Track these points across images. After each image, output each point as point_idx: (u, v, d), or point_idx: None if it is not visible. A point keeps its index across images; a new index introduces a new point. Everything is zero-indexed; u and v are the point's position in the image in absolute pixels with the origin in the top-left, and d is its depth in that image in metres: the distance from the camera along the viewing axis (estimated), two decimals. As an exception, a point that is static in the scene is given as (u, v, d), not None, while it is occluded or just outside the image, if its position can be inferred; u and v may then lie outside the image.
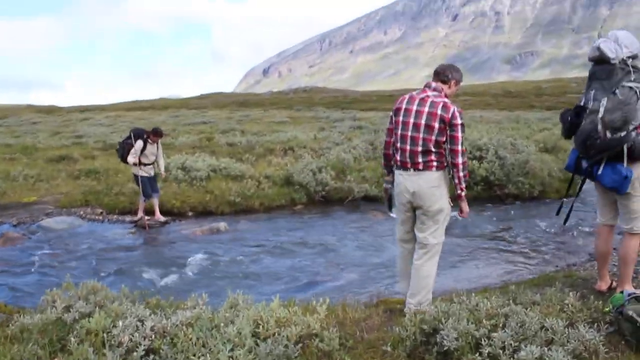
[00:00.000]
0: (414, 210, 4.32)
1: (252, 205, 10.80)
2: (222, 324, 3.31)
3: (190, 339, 3.13)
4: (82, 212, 10.43)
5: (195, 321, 3.36)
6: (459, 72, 4.33)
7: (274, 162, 13.93)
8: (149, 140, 9.89)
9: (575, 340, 3.18)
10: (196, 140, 19.54)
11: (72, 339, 3.16)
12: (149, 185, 9.90)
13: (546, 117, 30.38)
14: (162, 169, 10.36)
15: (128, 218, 10.21)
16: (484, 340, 3.15)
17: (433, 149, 4.09)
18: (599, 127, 4.04)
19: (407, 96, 4.29)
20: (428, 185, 4.15)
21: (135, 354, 3.02)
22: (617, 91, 3.96)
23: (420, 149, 4.10)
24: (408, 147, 4.15)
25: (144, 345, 3.08)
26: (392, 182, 4.49)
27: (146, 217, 9.75)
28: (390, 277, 6.64)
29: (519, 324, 3.32)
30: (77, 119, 37.55)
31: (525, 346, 3.06)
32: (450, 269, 6.88)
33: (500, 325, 3.36)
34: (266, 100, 65.25)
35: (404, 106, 4.23)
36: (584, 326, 3.31)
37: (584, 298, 4.36)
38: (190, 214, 10.49)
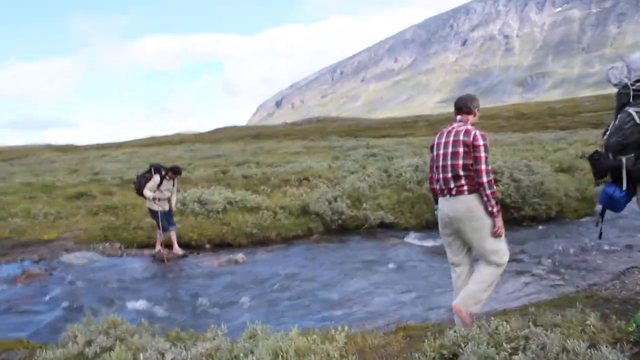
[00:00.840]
0: (457, 234, 4.58)
1: (269, 236, 10.85)
2: (241, 354, 3.33)
3: (211, 371, 3.15)
4: (101, 247, 10.53)
5: (215, 352, 3.39)
6: (477, 100, 4.70)
7: (289, 193, 13.99)
8: (167, 177, 10.09)
9: (599, 362, 3.15)
10: (212, 174, 19.70)
11: (94, 373, 3.20)
12: (164, 220, 10.03)
13: (560, 137, 30.24)
14: (173, 204, 10.47)
15: (146, 252, 10.29)
16: (506, 364, 3.13)
17: (462, 173, 4.38)
18: (603, 149, 4.12)
19: (439, 133, 4.69)
20: (463, 209, 4.41)
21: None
22: (619, 116, 4.02)
23: (450, 174, 4.45)
24: (441, 176, 4.54)
25: (166, 378, 3.11)
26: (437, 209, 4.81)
27: (165, 251, 9.86)
28: (410, 303, 6.61)
29: (539, 347, 3.30)
30: (94, 156, 38.07)
31: (547, 368, 3.04)
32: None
33: (521, 348, 3.34)
34: (280, 131, 65.70)
35: (435, 141, 4.67)
36: (607, 347, 3.27)
37: (606, 318, 4.31)
38: (207, 246, 10.55)
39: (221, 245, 10.58)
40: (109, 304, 7.18)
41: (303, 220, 11.45)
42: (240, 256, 9.45)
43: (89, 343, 3.65)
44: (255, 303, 7.07)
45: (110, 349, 3.48)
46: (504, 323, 3.64)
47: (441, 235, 4.80)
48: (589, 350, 3.25)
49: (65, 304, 7.24)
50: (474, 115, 4.63)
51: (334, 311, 6.59)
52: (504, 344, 3.34)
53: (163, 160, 27.06)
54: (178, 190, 11.09)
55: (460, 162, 4.37)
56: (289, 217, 11.57)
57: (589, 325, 3.78)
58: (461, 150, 4.37)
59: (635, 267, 7.09)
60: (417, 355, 3.50)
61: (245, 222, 11.10)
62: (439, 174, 4.58)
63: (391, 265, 8.56)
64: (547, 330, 3.60)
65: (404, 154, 22.29)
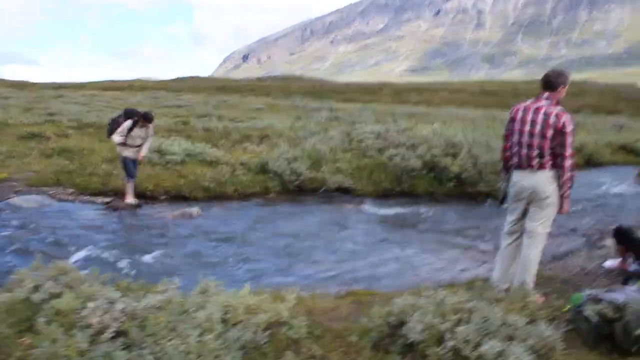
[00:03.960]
0: (527, 205, 4.84)
1: (226, 192, 10.78)
2: (192, 309, 3.34)
3: (160, 323, 3.15)
4: (53, 191, 10.29)
5: (165, 305, 3.38)
6: (565, 76, 4.81)
7: (249, 149, 13.91)
8: (139, 123, 9.84)
9: (535, 337, 3.30)
10: (172, 124, 19.38)
11: (41, 319, 3.16)
12: (132, 166, 9.84)
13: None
14: (143, 153, 10.13)
15: (100, 199, 10.10)
16: (448, 334, 3.25)
17: (547, 153, 4.63)
18: None
19: (522, 106, 4.84)
20: (543, 182, 4.69)
21: (104, 335, 3.03)
22: None
23: (535, 152, 4.66)
24: (525, 151, 4.73)
25: (114, 327, 3.10)
26: (508, 181, 5.05)
27: (120, 201, 9.72)
28: (361, 268, 6.73)
29: (482, 319, 3.43)
30: (51, 95, 36.80)
31: (487, 341, 3.16)
32: (419, 263, 7.00)
33: (465, 320, 3.45)
34: (244, 86, 64.78)
35: (520, 115, 4.79)
36: (544, 323, 3.42)
37: (547, 296, 4.51)
38: (163, 197, 10.43)
39: (177, 197, 10.47)
40: (58, 250, 7.06)
41: (261, 178, 11.41)
42: (195, 210, 9.39)
43: (36, 289, 3.58)
44: (207, 258, 7.08)
45: (59, 295, 3.43)
46: (451, 295, 3.75)
47: (510, 203, 5.02)
48: (527, 325, 3.39)
49: (12, 247, 7.09)
50: (559, 92, 4.75)
51: (285, 271, 6.65)
52: (449, 315, 3.45)
53: (123, 105, 26.39)
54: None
55: (547, 143, 4.59)
56: (248, 174, 11.52)
57: (530, 302, 3.94)
58: (550, 132, 4.57)
59: (577, 250, 7.38)
60: (364, 320, 3.58)
61: (203, 175, 11.00)
62: (520, 149, 4.76)
63: (345, 230, 8.66)
64: (490, 304, 3.74)
65: (367, 119, 22.32)
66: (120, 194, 9.96)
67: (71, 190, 10.48)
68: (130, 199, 9.86)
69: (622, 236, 6.00)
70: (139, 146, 9.97)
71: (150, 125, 10.11)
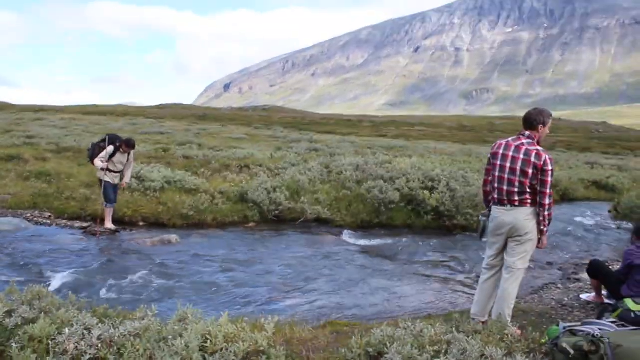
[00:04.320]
0: (506, 240, 4.92)
1: (204, 220, 10.75)
2: (170, 337, 3.30)
3: (138, 350, 3.12)
4: (29, 215, 10.14)
5: (143, 332, 3.35)
6: (544, 115, 4.90)
7: (229, 178, 13.90)
8: (121, 149, 9.83)
9: (512, 369, 3.32)
10: (152, 151, 19.31)
11: (14, 344, 3.10)
12: (112, 192, 9.79)
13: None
14: (126, 180, 10.20)
15: (77, 224, 9.98)
16: (427, 366, 3.25)
17: (527, 190, 4.72)
18: None
19: (503, 142, 4.94)
20: (523, 218, 4.77)
21: (80, 362, 2.98)
22: None
23: (516, 189, 4.75)
24: (505, 188, 4.82)
25: (90, 355, 3.05)
26: (487, 216, 5.12)
27: (98, 226, 9.61)
28: (340, 299, 6.71)
29: (460, 351, 3.44)
30: (30, 118, 36.47)
31: (465, 373, 3.18)
32: (397, 294, 7.01)
33: (443, 351, 3.47)
34: (225, 115, 64.96)
35: (501, 152, 4.88)
36: (521, 355, 3.45)
37: (523, 329, 4.54)
38: (141, 224, 10.35)
39: (156, 224, 10.40)
40: (34, 275, 6.94)
41: (240, 208, 11.39)
42: (174, 237, 9.33)
43: (9, 313, 3.51)
44: (186, 286, 7.00)
45: (33, 321, 3.37)
46: (429, 327, 3.77)
47: (489, 238, 5.09)
48: (505, 357, 3.42)
49: (-16, 270, 6.95)
50: (539, 131, 4.84)
51: (264, 301, 6.61)
52: (428, 347, 3.47)
53: (103, 130, 26.24)
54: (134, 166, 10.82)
55: (528, 181, 4.68)
56: (227, 203, 11.49)
57: (507, 335, 3.97)
58: (531, 171, 4.66)
59: (553, 284, 7.48)
60: (343, 351, 3.57)
61: (182, 203, 10.96)
62: (501, 185, 4.84)
63: (324, 260, 8.65)
64: (468, 336, 3.76)
65: (346, 152, 22.49)
66: (98, 219, 9.85)
67: (48, 214, 10.37)
68: (108, 225, 9.77)
69: (596, 270, 6.11)
70: (120, 172, 9.96)
71: (132, 152, 10.11)
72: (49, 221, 10.03)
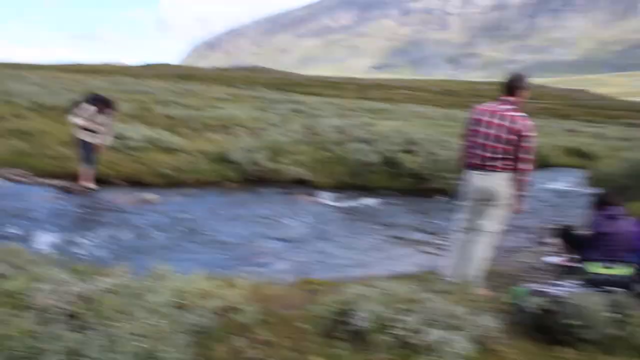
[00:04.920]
0: (481, 204, 4.95)
1: (185, 180, 10.74)
2: (145, 293, 3.37)
3: (113, 306, 3.18)
4: (7, 173, 10.05)
5: (118, 289, 3.41)
6: (526, 80, 4.95)
7: (211, 139, 13.84)
8: (100, 109, 9.69)
9: (477, 327, 3.45)
10: (133, 109, 19.07)
11: (-10, 300, 3.14)
12: (90, 152, 9.70)
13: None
14: (107, 141, 10.06)
15: (57, 182, 9.91)
16: (395, 323, 3.37)
17: (505, 156, 4.74)
18: None
19: (484, 107, 4.95)
20: (499, 184, 4.81)
21: (55, 317, 3.04)
22: None
23: (494, 155, 4.76)
24: (484, 153, 4.81)
25: (67, 310, 3.10)
26: (464, 180, 5.14)
27: (78, 185, 9.56)
28: (316, 258, 6.83)
29: (429, 310, 3.56)
30: (8, 75, 35.69)
31: (432, 330, 3.30)
32: (372, 255, 7.15)
33: (412, 309, 3.58)
34: (209, 75, 64.18)
35: (480, 117, 4.87)
36: (487, 315, 3.59)
37: (492, 290, 4.70)
38: (121, 183, 10.31)
39: (136, 183, 10.35)
40: (10, 233, 6.93)
41: (221, 168, 11.39)
42: (154, 196, 9.33)
43: (-14, 271, 3.56)
44: (163, 244, 7.06)
45: (10, 278, 3.41)
46: (400, 286, 3.88)
47: (466, 202, 5.12)
48: (471, 316, 3.55)
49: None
50: (520, 96, 4.85)
51: (239, 258, 6.70)
52: (397, 305, 3.58)
53: (85, 89, 25.82)
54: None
55: (507, 147, 4.69)
56: (208, 163, 11.48)
57: (475, 295, 4.11)
58: (509, 137, 4.66)
59: (523, 247, 7.67)
60: (315, 308, 3.68)
61: (162, 162, 10.92)
62: (480, 150, 4.83)
63: (303, 221, 8.74)
64: (438, 295, 3.88)
65: (329, 114, 22.43)
66: (78, 177, 9.75)
67: (27, 172, 10.26)
68: (88, 184, 9.73)
69: (564, 235, 6.28)
70: (100, 132, 9.84)
71: (113, 112, 9.99)
72: (27, 179, 9.93)
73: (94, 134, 9.73)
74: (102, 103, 9.73)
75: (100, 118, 9.74)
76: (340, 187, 11.49)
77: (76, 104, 9.81)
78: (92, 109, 9.58)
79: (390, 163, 12.08)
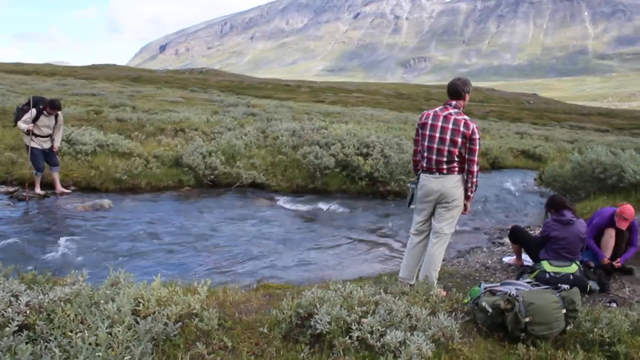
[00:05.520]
0: (434, 207, 5.09)
1: (138, 184, 10.57)
2: (102, 301, 3.29)
3: (69, 315, 3.09)
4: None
5: (74, 297, 3.32)
6: (469, 84, 5.08)
7: (164, 142, 13.65)
8: (44, 112, 9.40)
9: (435, 327, 3.52)
10: (83, 113, 18.61)
11: (-63, 314, 3.02)
12: (40, 158, 9.42)
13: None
14: (56, 143, 9.76)
15: (3, 188, 9.59)
16: (355, 325, 3.40)
17: (456, 159, 4.89)
18: None
19: (431, 112, 5.04)
20: (451, 185, 4.95)
21: (7, 329, 2.92)
22: None
23: (445, 158, 4.90)
24: (434, 157, 4.95)
25: (18, 321, 2.99)
26: (416, 183, 5.24)
27: (27, 191, 9.27)
28: (273, 262, 6.83)
29: (387, 311, 3.62)
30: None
31: (391, 331, 3.35)
32: (329, 258, 7.19)
33: (371, 312, 3.63)
34: (160, 77, 63.18)
35: (429, 122, 4.98)
36: (444, 315, 3.66)
37: (448, 290, 4.80)
38: (72, 188, 10.06)
39: (87, 188, 10.15)
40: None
41: (175, 172, 11.27)
42: (106, 202, 9.14)
43: None
44: (118, 251, 6.93)
45: (-44, 289, 3.28)
46: (358, 288, 3.92)
47: (417, 205, 5.24)
48: (429, 317, 3.62)
49: None
50: (465, 100, 5.00)
51: (197, 264, 6.65)
52: (356, 307, 3.61)
53: (29, 91, 25.05)
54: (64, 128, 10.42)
55: (457, 150, 4.84)
56: (161, 167, 11.33)
57: (432, 296, 4.19)
58: (460, 140, 4.81)
59: (479, 247, 7.86)
60: (275, 312, 3.68)
61: (115, 167, 10.71)
62: (430, 154, 4.96)
63: (258, 225, 8.72)
64: (395, 297, 3.94)
65: (283, 117, 22.44)
66: (26, 183, 9.43)
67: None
68: (37, 189, 9.47)
69: (517, 235, 6.49)
70: (48, 136, 9.57)
71: (60, 114, 9.72)
72: (-28, 186, 9.59)
73: (42, 139, 9.47)
74: (48, 105, 9.45)
75: (46, 120, 9.46)
76: (297, 191, 11.52)
77: (20, 109, 9.50)
78: (35, 112, 9.30)
79: (345, 166, 12.18)
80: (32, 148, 9.35)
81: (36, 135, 9.39)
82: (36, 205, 8.96)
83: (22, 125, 9.24)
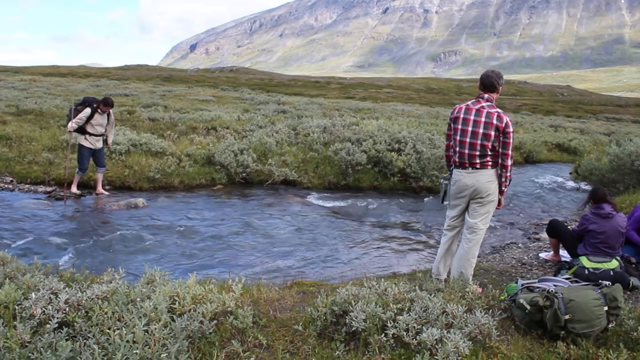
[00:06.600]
0: (468, 202, 5.03)
1: (171, 183, 10.69)
2: (138, 299, 3.33)
3: (106, 313, 3.13)
4: (-11, 180, 9.92)
5: (111, 295, 3.36)
6: (502, 77, 5.00)
7: (196, 141, 13.78)
8: (99, 110, 9.61)
9: (472, 325, 3.46)
10: (117, 113, 18.93)
11: (-20, 311, 3.08)
12: (86, 158, 9.61)
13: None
14: (110, 141, 10.05)
15: (41, 188, 9.80)
16: (390, 323, 3.37)
17: (489, 153, 4.81)
18: None
19: (463, 106, 4.97)
20: (484, 180, 4.87)
21: (48, 326, 2.98)
22: None
23: (478, 153, 4.83)
24: (467, 151, 4.88)
25: (58, 318, 3.04)
26: (449, 179, 5.18)
27: (64, 190, 9.45)
28: (307, 260, 6.82)
29: (422, 309, 3.57)
30: (-14, 80, 35.24)
31: (427, 329, 3.30)
32: (362, 255, 7.15)
33: (406, 309, 3.59)
34: (191, 77, 63.85)
35: (462, 116, 4.92)
36: (481, 312, 3.60)
37: (484, 287, 4.72)
38: (107, 188, 10.23)
39: (122, 188, 10.32)
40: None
41: (207, 170, 11.36)
42: (141, 200, 9.26)
43: (-26, 279, 3.49)
44: (153, 249, 7.00)
45: (-1, 286, 3.35)
46: (393, 285, 3.88)
47: (451, 201, 5.17)
48: (465, 314, 3.56)
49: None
50: (498, 93, 4.95)
51: (232, 262, 6.67)
52: (391, 305, 3.58)
53: (65, 93, 25.57)
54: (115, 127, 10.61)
55: (490, 143, 4.76)
56: (194, 166, 11.44)
57: (468, 292, 4.12)
58: (493, 133, 4.73)
59: (514, 243, 7.71)
60: (309, 309, 3.66)
61: (148, 166, 10.86)
62: (463, 148, 4.90)
63: (291, 222, 8.73)
64: (431, 294, 3.89)
65: (314, 114, 22.45)
66: (65, 183, 9.63)
67: (10, 178, 10.14)
68: (74, 189, 9.65)
69: (555, 230, 6.34)
70: (101, 135, 9.77)
71: (112, 112, 9.93)
72: (10, 186, 9.82)
73: (95, 137, 9.66)
74: (102, 103, 9.64)
75: (100, 119, 9.67)
76: (329, 188, 11.51)
77: (74, 109, 9.68)
78: (89, 111, 9.51)
79: (377, 162, 12.12)
80: (81, 147, 9.54)
81: (90, 134, 9.59)
82: (73, 205, 9.13)
83: (71, 124, 9.44)
